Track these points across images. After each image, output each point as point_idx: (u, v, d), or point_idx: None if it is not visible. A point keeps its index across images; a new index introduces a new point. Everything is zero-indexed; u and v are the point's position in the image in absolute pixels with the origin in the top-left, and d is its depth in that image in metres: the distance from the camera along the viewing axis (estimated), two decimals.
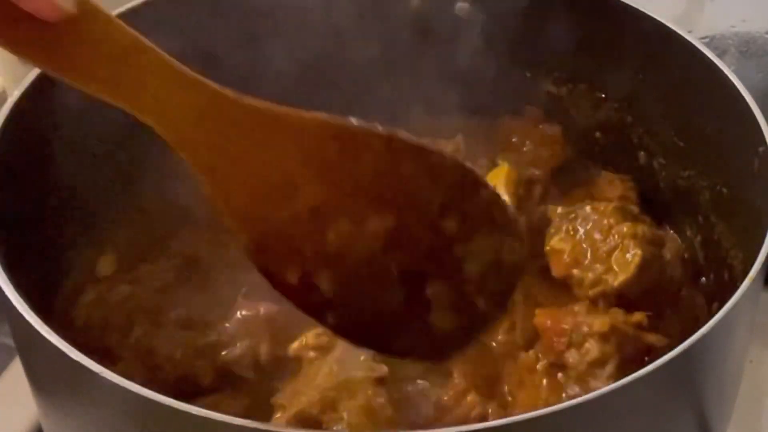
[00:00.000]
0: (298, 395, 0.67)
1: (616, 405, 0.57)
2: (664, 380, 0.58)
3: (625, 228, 0.77)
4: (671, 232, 0.84)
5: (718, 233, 0.79)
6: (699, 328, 0.59)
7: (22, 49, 0.54)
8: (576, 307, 0.74)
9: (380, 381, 0.67)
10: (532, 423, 0.55)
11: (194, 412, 0.54)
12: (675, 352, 0.57)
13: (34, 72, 0.74)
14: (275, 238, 0.58)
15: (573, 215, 0.80)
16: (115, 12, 0.72)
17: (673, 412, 0.62)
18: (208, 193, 0.58)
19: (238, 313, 0.73)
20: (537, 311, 0.76)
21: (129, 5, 0.79)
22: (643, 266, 0.75)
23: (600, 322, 0.71)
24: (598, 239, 0.77)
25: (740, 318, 0.63)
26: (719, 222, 0.79)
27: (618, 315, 0.73)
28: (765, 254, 0.63)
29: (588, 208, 0.79)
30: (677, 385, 0.60)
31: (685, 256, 0.81)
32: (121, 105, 0.55)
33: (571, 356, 0.72)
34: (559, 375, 0.72)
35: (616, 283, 0.75)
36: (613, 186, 0.87)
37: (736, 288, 0.61)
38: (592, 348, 0.71)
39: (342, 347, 0.69)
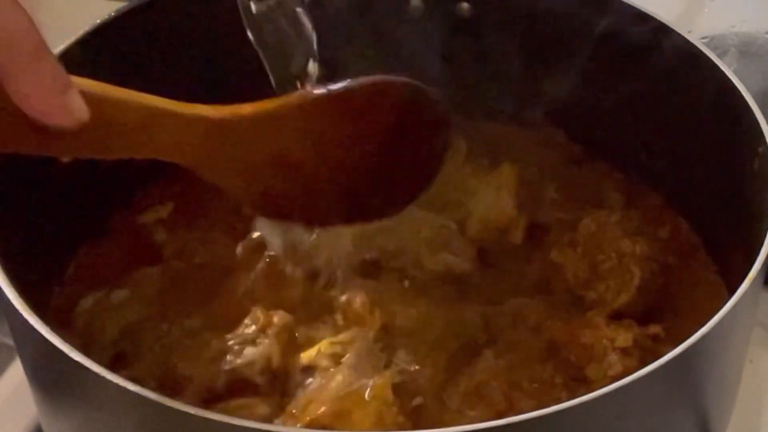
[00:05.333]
0: (311, 404, 0.67)
1: (616, 405, 0.57)
2: (664, 380, 0.58)
3: (625, 246, 0.77)
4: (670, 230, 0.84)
5: (718, 233, 0.79)
6: (699, 328, 0.59)
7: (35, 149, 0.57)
8: (594, 319, 0.73)
9: (392, 388, 0.67)
10: (533, 423, 0.55)
11: (192, 412, 0.54)
12: (675, 352, 0.57)
13: None
14: (273, 197, 0.69)
15: (573, 226, 0.80)
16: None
17: (673, 412, 0.62)
18: (227, 193, 0.68)
19: (252, 320, 0.73)
20: (550, 323, 0.75)
21: None
22: (643, 286, 0.75)
23: (623, 338, 0.71)
24: (597, 256, 0.77)
25: (740, 318, 0.63)
26: (719, 222, 0.79)
27: (634, 327, 0.73)
28: (765, 254, 0.63)
29: (588, 220, 0.79)
30: (677, 385, 0.60)
31: (686, 255, 0.81)
32: (141, 157, 0.61)
33: (593, 371, 0.71)
34: (581, 390, 0.71)
35: (616, 305, 0.75)
36: (614, 187, 0.87)
37: (736, 288, 0.61)
38: (615, 363, 0.71)
39: (354, 355, 0.69)
